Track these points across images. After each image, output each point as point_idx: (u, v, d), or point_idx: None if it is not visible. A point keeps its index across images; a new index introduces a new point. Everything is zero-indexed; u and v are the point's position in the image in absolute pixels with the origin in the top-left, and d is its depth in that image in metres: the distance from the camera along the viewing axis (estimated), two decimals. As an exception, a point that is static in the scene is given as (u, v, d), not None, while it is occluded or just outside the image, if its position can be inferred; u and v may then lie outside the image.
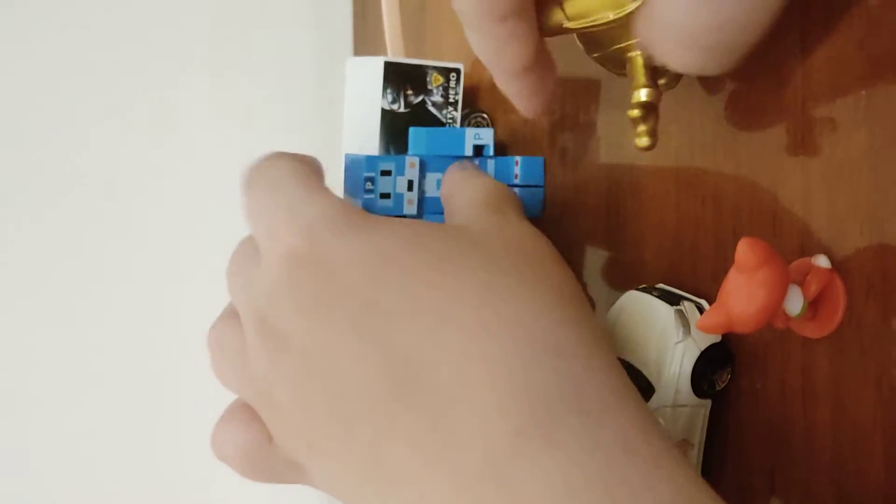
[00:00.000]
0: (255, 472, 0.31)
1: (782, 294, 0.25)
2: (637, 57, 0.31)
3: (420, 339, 0.25)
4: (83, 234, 0.63)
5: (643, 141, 0.31)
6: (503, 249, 0.29)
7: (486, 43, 0.30)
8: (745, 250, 0.24)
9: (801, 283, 0.27)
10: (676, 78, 0.33)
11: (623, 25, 0.30)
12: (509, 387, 0.23)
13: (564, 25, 0.31)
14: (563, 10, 0.31)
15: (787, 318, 0.27)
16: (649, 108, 0.31)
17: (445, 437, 0.23)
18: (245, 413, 0.30)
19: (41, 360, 0.62)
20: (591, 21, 0.30)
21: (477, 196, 0.33)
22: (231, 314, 0.32)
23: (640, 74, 0.31)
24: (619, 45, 0.31)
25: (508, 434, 0.23)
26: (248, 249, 0.31)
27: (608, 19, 0.30)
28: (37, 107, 0.61)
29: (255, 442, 0.30)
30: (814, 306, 0.28)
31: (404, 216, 0.44)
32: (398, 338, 0.25)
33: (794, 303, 0.26)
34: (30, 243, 0.62)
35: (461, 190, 0.34)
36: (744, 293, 0.24)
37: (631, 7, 0.29)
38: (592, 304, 0.40)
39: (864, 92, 0.27)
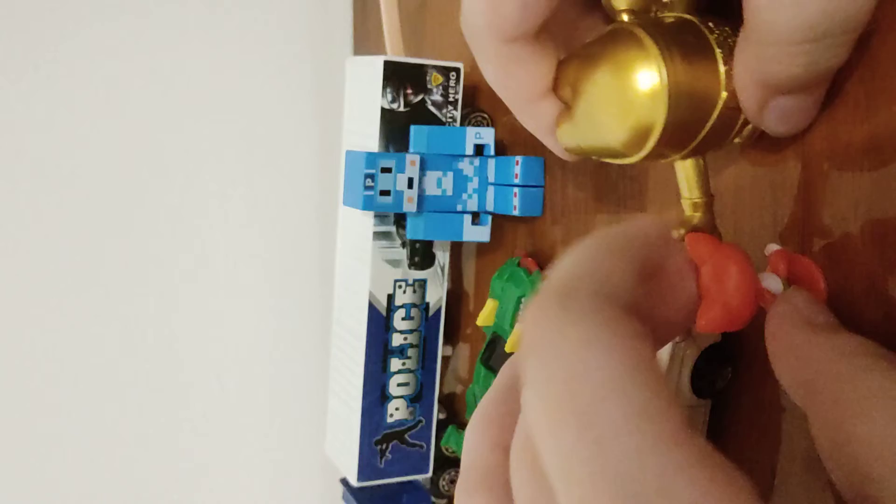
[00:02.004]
0: None
1: (749, 262, 0.25)
2: (684, 163, 0.28)
3: None
4: (80, 233, 0.63)
5: None
6: None
7: (493, 67, 0.28)
8: (693, 245, 0.25)
9: (773, 271, 0.28)
10: (753, 133, 0.29)
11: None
12: None
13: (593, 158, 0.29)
14: (576, 140, 0.29)
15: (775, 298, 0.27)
16: (701, 222, 0.28)
17: None
18: None
19: (40, 361, 0.62)
20: (614, 162, 0.28)
21: None
22: None
23: (693, 184, 0.28)
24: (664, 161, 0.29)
25: None
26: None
27: (629, 162, 0.28)
28: (34, 103, 0.61)
29: None
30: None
31: (403, 213, 0.44)
32: None
33: (773, 282, 0.27)
34: (27, 242, 0.62)
35: None
36: (717, 276, 0.25)
37: (638, 157, 0.27)
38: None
39: (863, 92, 0.27)
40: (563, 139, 0.30)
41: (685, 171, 0.28)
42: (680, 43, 0.26)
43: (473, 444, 0.25)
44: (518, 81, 0.28)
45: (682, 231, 0.28)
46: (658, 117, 0.25)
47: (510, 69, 0.27)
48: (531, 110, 0.29)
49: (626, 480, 0.17)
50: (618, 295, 0.20)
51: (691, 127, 0.26)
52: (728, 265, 0.25)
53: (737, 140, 0.29)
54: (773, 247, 0.28)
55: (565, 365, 0.18)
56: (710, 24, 0.26)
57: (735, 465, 0.18)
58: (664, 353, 0.31)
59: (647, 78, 0.25)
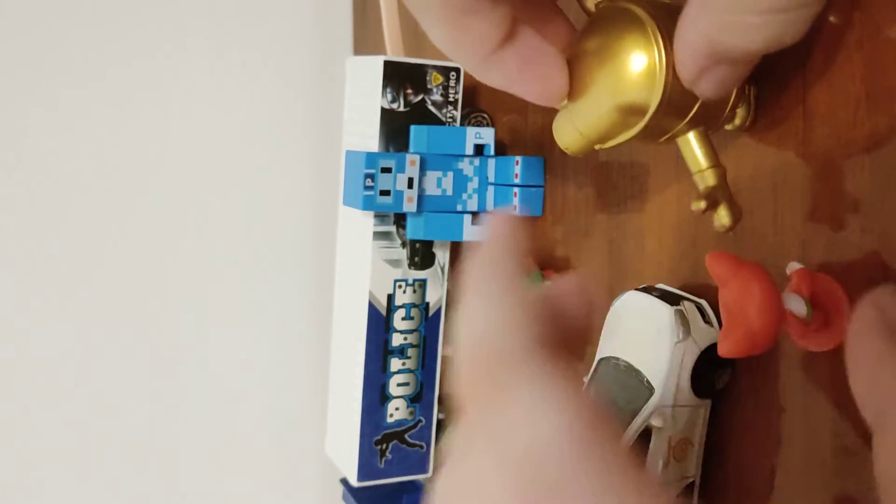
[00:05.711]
0: None
1: (772, 282, 0.25)
2: (688, 138, 0.28)
3: None
4: (79, 233, 0.63)
5: (725, 220, 0.27)
6: None
7: (443, 25, 0.25)
8: (713, 265, 0.24)
9: (795, 291, 0.27)
10: (751, 115, 0.30)
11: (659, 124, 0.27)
12: None
13: (595, 147, 0.29)
14: (574, 126, 0.28)
15: (800, 324, 0.27)
16: (719, 191, 0.28)
17: None
18: None
19: (40, 362, 0.62)
20: (616, 142, 0.28)
21: None
22: None
23: (700, 155, 0.28)
24: (666, 137, 0.28)
25: None
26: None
27: (632, 136, 0.27)
28: (35, 105, 0.61)
29: None
30: (823, 316, 0.27)
31: (403, 213, 0.44)
32: None
33: (796, 303, 0.26)
34: (27, 244, 0.62)
35: None
36: (740, 300, 0.24)
37: (640, 125, 0.27)
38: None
39: (863, 91, 0.27)
40: (560, 132, 0.29)
41: (688, 145, 0.28)
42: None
43: None
44: (473, 35, 0.25)
45: (703, 204, 0.27)
46: (654, 96, 0.26)
47: (463, 23, 0.25)
48: (495, 62, 0.26)
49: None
50: (539, 335, 0.19)
51: (685, 102, 0.27)
52: (751, 285, 0.24)
53: (728, 127, 0.30)
54: (795, 265, 0.27)
55: (525, 432, 0.18)
56: None
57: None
58: (664, 353, 0.31)
59: (643, 58, 0.26)
